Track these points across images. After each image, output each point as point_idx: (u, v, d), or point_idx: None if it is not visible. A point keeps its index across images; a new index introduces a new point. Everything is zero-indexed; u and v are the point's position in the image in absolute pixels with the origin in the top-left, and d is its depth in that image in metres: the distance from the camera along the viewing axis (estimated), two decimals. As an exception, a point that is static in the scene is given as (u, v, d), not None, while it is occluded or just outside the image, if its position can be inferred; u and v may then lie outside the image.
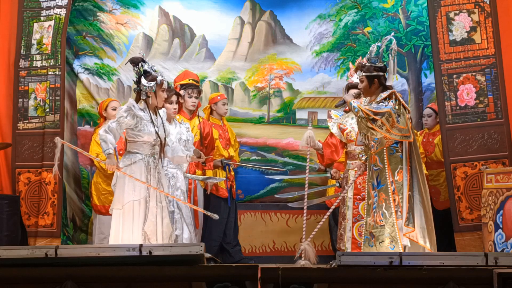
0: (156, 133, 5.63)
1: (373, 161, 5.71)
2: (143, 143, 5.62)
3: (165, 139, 5.75)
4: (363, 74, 5.70)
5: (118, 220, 5.54)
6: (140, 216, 5.52)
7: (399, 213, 5.52)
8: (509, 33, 6.68)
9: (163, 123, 5.75)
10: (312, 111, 8.40)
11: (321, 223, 5.79)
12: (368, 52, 5.77)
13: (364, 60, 5.78)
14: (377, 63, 5.71)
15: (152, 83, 5.61)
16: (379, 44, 5.77)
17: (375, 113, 5.50)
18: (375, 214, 5.62)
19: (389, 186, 5.57)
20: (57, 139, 5.78)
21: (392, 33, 5.96)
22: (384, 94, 5.62)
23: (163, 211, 5.62)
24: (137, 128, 5.58)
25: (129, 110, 5.56)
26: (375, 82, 5.68)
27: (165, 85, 5.68)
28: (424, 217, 5.52)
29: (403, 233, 5.47)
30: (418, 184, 5.57)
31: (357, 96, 6.14)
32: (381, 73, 5.69)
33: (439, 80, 6.75)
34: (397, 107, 5.56)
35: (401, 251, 5.37)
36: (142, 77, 5.64)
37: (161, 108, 5.83)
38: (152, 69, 5.69)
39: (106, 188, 7.15)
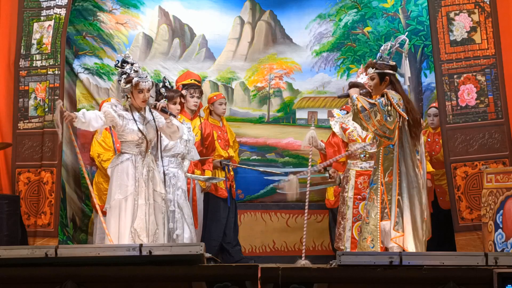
0: (140, 131, 5.68)
1: (373, 159, 5.75)
2: (130, 142, 5.74)
3: (157, 132, 5.83)
4: (375, 71, 5.65)
5: (107, 218, 5.69)
6: (127, 214, 5.61)
7: (385, 214, 5.50)
8: (509, 33, 6.68)
9: (154, 120, 5.79)
10: (312, 111, 8.39)
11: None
12: (381, 50, 5.72)
13: (377, 57, 5.73)
14: (389, 62, 5.69)
15: (128, 85, 5.70)
16: (392, 43, 5.74)
17: (369, 103, 5.48)
18: (365, 210, 5.67)
19: (379, 186, 5.57)
20: (58, 102, 5.76)
21: (406, 33, 5.91)
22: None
23: (150, 208, 5.71)
24: (122, 128, 5.69)
25: (112, 106, 5.71)
26: (386, 80, 5.64)
27: (142, 86, 5.70)
28: (411, 222, 5.43)
29: (390, 237, 5.44)
30: (408, 188, 5.50)
31: (365, 95, 6.07)
32: (391, 72, 5.66)
33: (439, 80, 6.74)
34: (389, 107, 5.52)
35: (379, 251, 5.38)
36: (122, 78, 5.74)
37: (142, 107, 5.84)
38: (132, 70, 5.73)
39: (107, 187, 7.14)
